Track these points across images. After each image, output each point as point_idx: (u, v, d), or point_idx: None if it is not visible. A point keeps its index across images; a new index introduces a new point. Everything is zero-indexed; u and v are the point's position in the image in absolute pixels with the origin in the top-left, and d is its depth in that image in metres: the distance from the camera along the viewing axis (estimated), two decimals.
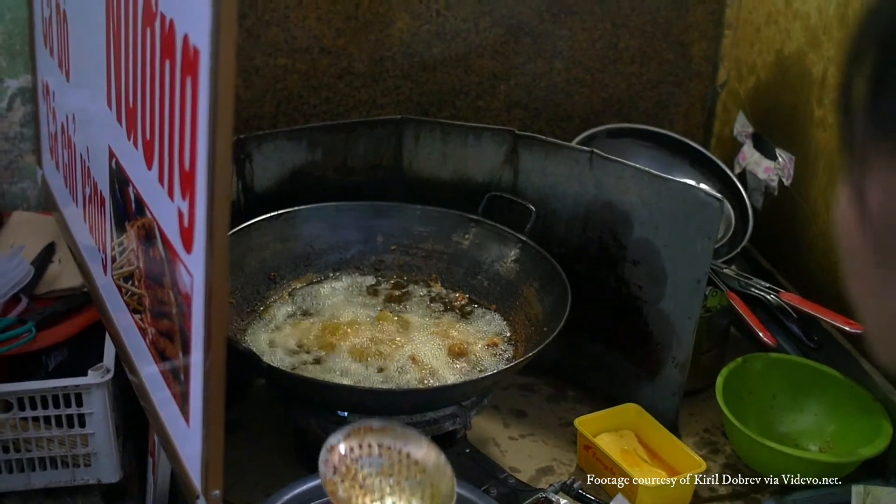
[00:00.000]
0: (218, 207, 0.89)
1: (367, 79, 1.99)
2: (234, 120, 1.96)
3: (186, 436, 1.07)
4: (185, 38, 0.92)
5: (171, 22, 0.96)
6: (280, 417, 1.67)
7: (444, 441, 1.47)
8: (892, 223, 0.54)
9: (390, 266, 1.80)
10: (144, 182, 1.11)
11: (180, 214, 0.98)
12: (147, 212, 1.11)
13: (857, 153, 0.55)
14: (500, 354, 1.58)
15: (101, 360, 1.40)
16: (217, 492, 1.01)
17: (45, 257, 1.62)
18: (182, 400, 1.06)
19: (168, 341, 1.09)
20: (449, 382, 1.48)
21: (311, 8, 1.90)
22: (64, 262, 1.62)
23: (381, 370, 1.51)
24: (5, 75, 1.77)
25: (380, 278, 1.79)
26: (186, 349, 1.02)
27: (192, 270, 0.97)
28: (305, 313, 1.67)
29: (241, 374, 1.73)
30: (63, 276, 1.58)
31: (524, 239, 1.69)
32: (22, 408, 1.36)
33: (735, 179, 2.02)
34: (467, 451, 1.50)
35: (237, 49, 1.92)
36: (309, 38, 1.91)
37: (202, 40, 0.87)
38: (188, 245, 0.97)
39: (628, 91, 2.15)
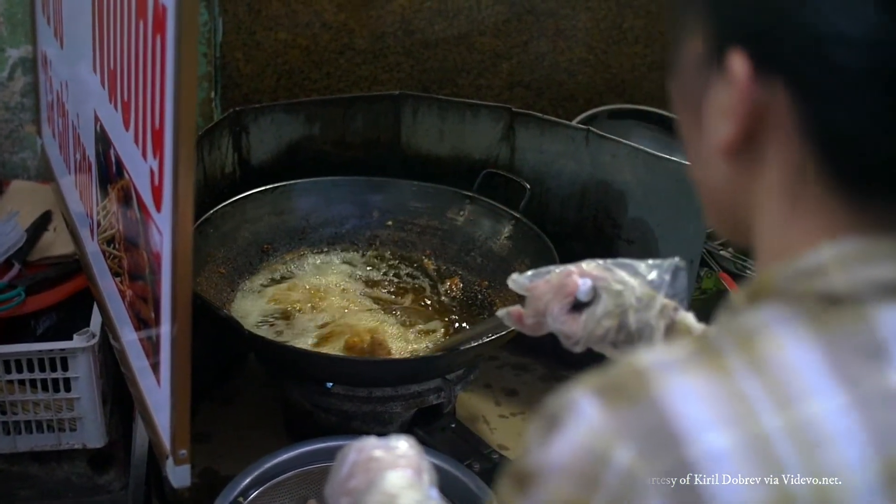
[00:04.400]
0: (182, 165, 0.89)
1: (368, 55, 1.98)
2: (235, 93, 1.97)
3: (159, 401, 1.07)
4: None
5: None
6: (272, 390, 1.68)
7: (430, 415, 1.47)
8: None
9: (385, 241, 1.80)
10: (123, 143, 1.11)
11: (152, 173, 0.99)
12: (125, 173, 1.12)
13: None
14: None
15: (88, 325, 1.40)
16: (184, 451, 1.01)
17: (40, 225, 1.63)
18: (155, 366, 1.07)
19: (143, 303, 1.10)
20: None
21: None
22: (58, 230, 1.62)
23: (367, 343, 1.51)
24: (7, 45, 1.78)
25: (374, 255, 1.79)
26: (157, 311, 1.02)
27: (162, 229, 0.97)
28: (297, 286, 1.67)
29: (235, 349, 1.74)
30: (56, 243, 1.59)
31: (518, 216, 1.68)
32: (8, 370, 1.37)
33: None
34: (453, 426, 1.49)
35: (238, 23, 1.92)
36: (309, 13, 1.90)
37: None
38: (158, 203, 0.98)
39: (632, 72, 2.13)
